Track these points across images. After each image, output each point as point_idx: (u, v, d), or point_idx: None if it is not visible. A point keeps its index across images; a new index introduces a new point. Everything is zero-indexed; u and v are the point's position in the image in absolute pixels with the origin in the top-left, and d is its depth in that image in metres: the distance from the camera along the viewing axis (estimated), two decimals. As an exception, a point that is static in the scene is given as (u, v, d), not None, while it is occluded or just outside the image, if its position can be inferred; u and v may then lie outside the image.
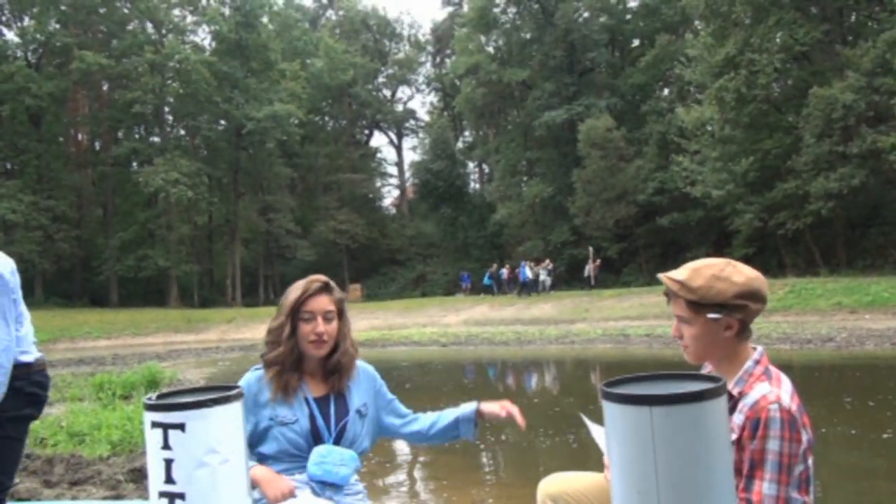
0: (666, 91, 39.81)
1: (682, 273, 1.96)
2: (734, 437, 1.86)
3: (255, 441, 2.31)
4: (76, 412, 7.73)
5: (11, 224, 37.17)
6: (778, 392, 1.82)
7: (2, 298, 2.80)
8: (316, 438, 2.26)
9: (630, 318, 24.09)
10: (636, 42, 42.98)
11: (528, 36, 41.63)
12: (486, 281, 35.50)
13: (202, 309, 39.31)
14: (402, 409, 2.55)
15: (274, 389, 2.29)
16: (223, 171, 46.14)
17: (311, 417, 2.28)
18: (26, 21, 42.37)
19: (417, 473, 6.71)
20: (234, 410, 1.78)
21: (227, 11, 44.04)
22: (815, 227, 27.07)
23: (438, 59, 58.04)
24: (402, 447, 7.10)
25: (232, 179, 46.27)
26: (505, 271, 35.06)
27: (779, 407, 1.78)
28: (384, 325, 29.50)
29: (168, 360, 19.75)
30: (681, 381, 1.49)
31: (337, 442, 2.29)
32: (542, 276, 32.28)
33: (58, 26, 41.99)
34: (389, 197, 60.78)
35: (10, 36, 42.75)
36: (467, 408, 2.50)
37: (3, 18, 42.71)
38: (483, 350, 19.73)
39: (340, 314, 2.36)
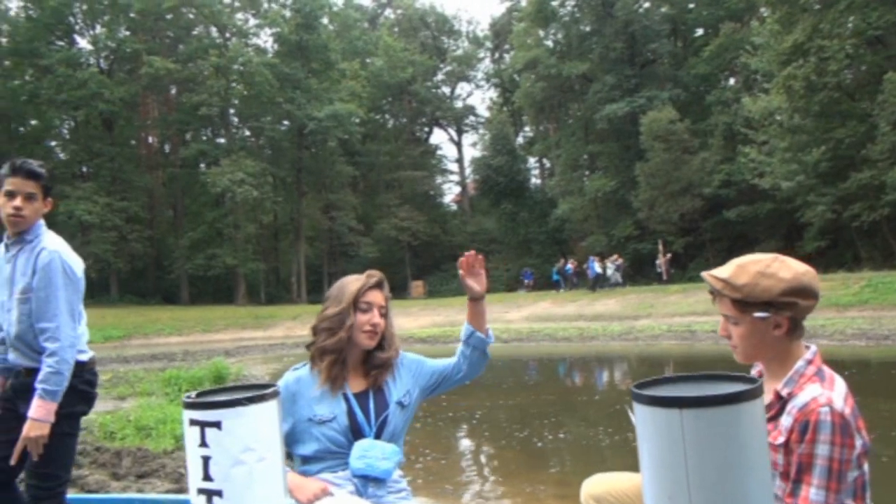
0: (731, 81, 38.70)
1: (726, 270, 1.89)
2: (782, 440, 1.78)
3: (292, 442, 2.33)
4: (144, 407, 7.98)
5: (88, 225, 38.68)
6: (830, 394, 1.73)
7: (73, 296, 2.89)
8: (356, 434, 2.27)
9: (697, 314, 23.51)
10: (699, 31, 41.93)
11: (588, 28, 41.07)
12: (553, 276, 35.16)
13: (269, 306, 40.17)
14: (442, 363, 2.55)
15: (322, 381, 2.31)
16: (287, 171, 47.02)
17: (350, 413, 2.28)
18: (98, 29, 43.98)
19: (467, 469, 6.67)
20: (270, 409, 1.79)
21: (287, 13, 44.80)
22: (893, 219, 25.94)
23: (497, 55, 57.83)
24: (452, 440, 7.09)
25: (295, 178, 47.08)
26: (571, 266, 34.66)
27: (830, 410, 1.70)
28: (446, 322, 29.56)
29: (235, 357, 20.25)
30: (716, 382, 1.44)
31: (377, 436, 2.29)
32: (611, 272, 31.78)
33: (127, 33, 43.49)
34: (450, 193, 60.98)
35: (84, 44, 44.46)
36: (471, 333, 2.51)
37: (77, 27, 44.41)
38: (545, 346, 19.59)
39: (387, 311, 2.40)
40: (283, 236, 50.90)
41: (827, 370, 1.84)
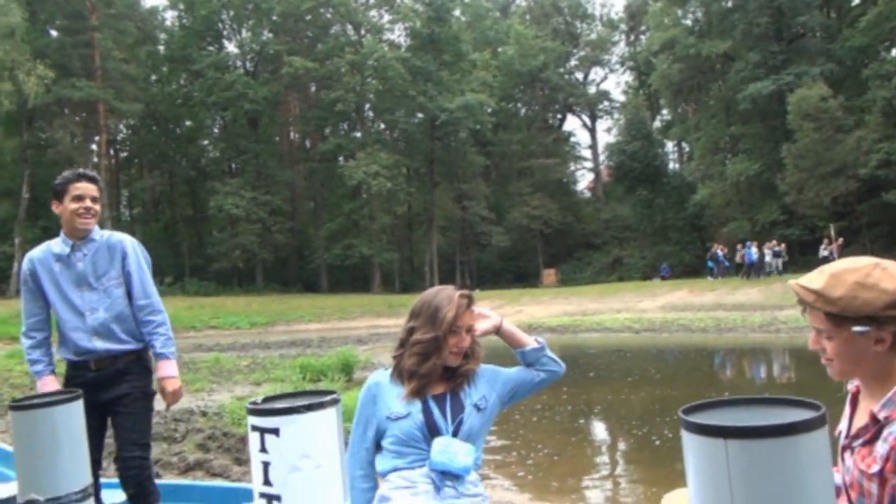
0: (893, 52, 35.51)
1: (818, 280, 1.69)
2: (877, 468, 1.59)
3: (378, 439, 2.39)
4: (273, 393, 8.35)
5: (235, 218, 41.15)
6: None
7: (150, 274, 3.30)
8: (432, 431, 2.29)
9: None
10: (855, 0, 38.72)
11: (729, 4, 38.90)
12: (708, 263, 33.63)
13: (402, 294, 41.16)
14: (517, 371, 2.54)
15: (406, 395, 2.35)
16: (419, 162, 47.88)
17: (426, 411, 2.32)
18: (243, 33, 46.54)
19: (578, 467, 6.47)
20: (328, 417, 1.81)
21: (420, 7, 45.47)
22: None
23: (632, 37, 55.99)
24: (567, 435, 6.92)
25: (428, 169, 47.84)
26: (721, 252, 33.03)
27: None
28: (577, 311, 29.16)
29: (368, 344, 20.91)
30: (777, 408, 1.30)
31: (454, 435, 2.31)
32: (769, 258, 30.06)
33: (270, 35, 45.75)
34: (583, 181, 59.95)
35: (231, 48, 47.24)
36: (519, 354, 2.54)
37: (225, 32, 47.21)
38: (678, 337, 18.87)
39: (472, 326, 2.41)
40: (417, 226, 51.91)
41: None
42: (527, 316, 30.08)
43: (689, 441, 1.20)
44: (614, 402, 8.85)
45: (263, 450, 1.77)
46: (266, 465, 1.77)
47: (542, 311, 30.78)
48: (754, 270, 29.90)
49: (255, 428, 1.79)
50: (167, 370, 3.16)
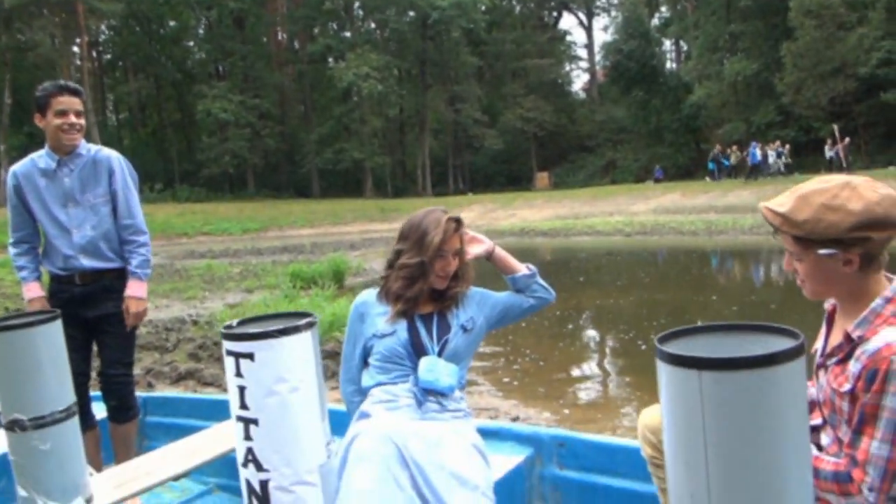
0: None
1: (786, 203, 1.64)
2: (848, 387, 1.59)
3: (365, 356, 2.42)
4: (260, 304, 8.40)
5: (224, 123, 40.49)
6: None
7: (137, 192, 3.25)
8: (416, 349, 2.30)
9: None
10: None
11: None
12: (709, 165, 33.22)
13: (395, 199, 41.08)
14: (507, 295, 2.54)
15: (394, 316, 2.35)
16: (411, 63, 46.79)
17: (412, 330, 2.32)
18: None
19: (563, 372, 6.48)
20: (304, 340, 1.78)
21: None
22: None
23: (631, -72, 53.69)
24: (554, 340, 6.98)
25: (420, 71, 46.82)
26: (717, 150, 32.56)
27: None
28: (570, 214, 29.23)
29: (360, 249, 21.00)
30: (757, 335, 1.26)
31: (440, 355, 2.32)
32: (772, 159, 29.76)
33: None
34: (578, 81, 58.81)
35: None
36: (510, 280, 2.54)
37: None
38: (669, 240, 18.96)
39: (461, 248, 2.38)
40: (409, 130, 51.26)
41: None
42: (519, 219, 30.14)
43: (664, 371, 1.17)
44: (603, 307, 8.91)
45: (239, 374, 1.75)
46: (242, 389, 1.75)
47: (534, 214, 30.82)
48: (758, 171, 29.43)
49: (229, 352, 1.77)
50: (136, 290, 3.16)
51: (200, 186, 42.05)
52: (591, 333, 7.17)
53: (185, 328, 7.60)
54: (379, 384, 2.34)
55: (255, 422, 1.75)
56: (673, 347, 1.20)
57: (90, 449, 2.87)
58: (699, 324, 1.32)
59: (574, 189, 37.91)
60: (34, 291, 3.12)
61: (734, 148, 32.02)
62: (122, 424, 3.19)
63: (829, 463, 1.58)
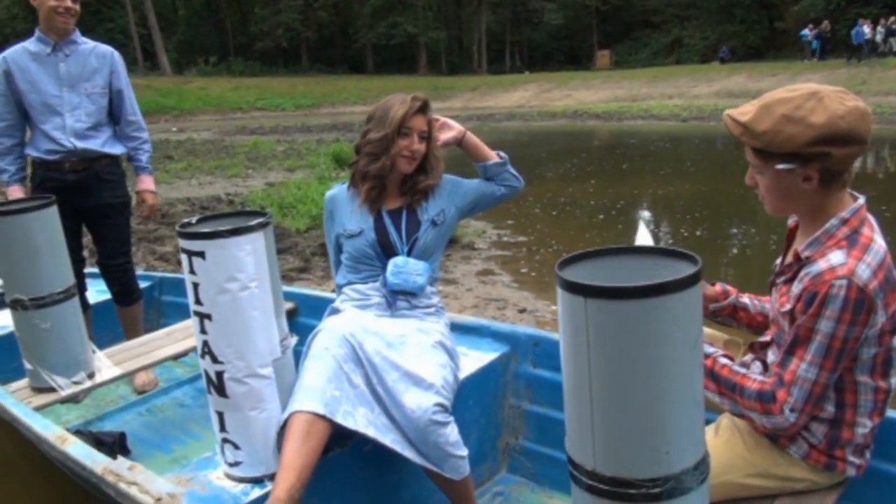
0: None
1: (748, 112, 1.55)
2: (788, 307, 1.56)
3: (341, 253, 2.44)
4: (291, 185, 8.45)
5: (276, -6, 39.67)
6: (853, 265, 1.45)
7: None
8: (385, 248, 2.32)
9: (916, 93, 20.76)
10: None
11: None
12: (812, 44, 30.02)
13: (449, 77, 40.22)
14: (479, 182, 2.52)
15: (361, 202, 2.35)
16: (470, -70, 44.55)
17: (379, 229, 2.33)
18: None
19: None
20: (255, 240, 1.81)
21: None
22: None
23: None
24: (582, 232, 6.89)
25: (479, -61, 44.59)
26: (808, 31, 29.98)
27: (847, 284, 1.43)
28: (627, 96, 28.27)
29: (409, 129, 20.79)
30: (656, 260, 1.24)
31: (410, 252, 2.33)
32: (880, 37, 27.17)
33: None
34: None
35: None
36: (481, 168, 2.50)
37: None
38: (723, 127, 18.21)
39: (429, 135, 2.34)
40: (466, 3, 49.37)
41: (866, 231, 1.52)
42: (574, 100, 29.31)
43: (560, 295, 1.17)
44: (639, 197, 8.69)
45: (192, 272, 1.81)
46: (196, 285, 1.81)
47: (590, 95, 29.91)
48: (860, 52, 26.81)
49: (183, 250, 1.82)
50: (148, 184, 3.32)
51: (255, 60, 41.78)
52: (621, 226, 7.02)
53: (219, 207, 7.77)
54: (350, 283, 2.39)
55: (208, 317, 1.82)
56: (568, 272, 1.19)
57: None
58: (608, 246, 1.30)
59: (635, 69, 36.45)
60: (16, 195, 3.11)
61: (825, 23, 29.43)
62: (128, 307, 3.35)
63: (754, 381, 1.58)
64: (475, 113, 26.83)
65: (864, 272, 1.44)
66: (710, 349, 1.67)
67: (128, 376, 2.90)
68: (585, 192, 9.02)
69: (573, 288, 1.13)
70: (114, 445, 2.81)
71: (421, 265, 2.31)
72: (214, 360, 1.84)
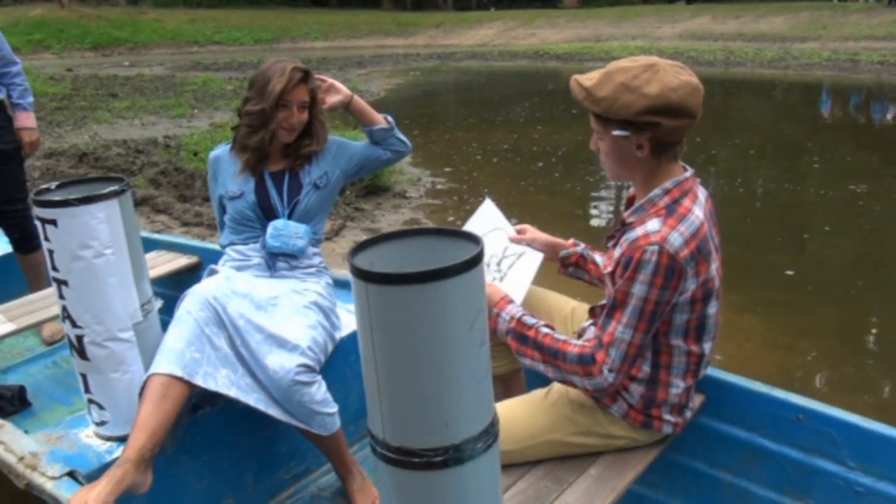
0: None
1: (593, 77, 1.62)
2: (609, 270, 1.66)
3: (224, 212, 2.47)
4: (231, 126, 8.31)
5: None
6: (667, 232, 1.54)
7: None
8: (266, 211, 2.35)
9: (874, 39, 20.89)
10: None
11: None
12: None
13: (414, 12, 39.34)
14: (364, 145, 2.56)
15: (240, 170, 2.38)
16: None
17: (260, 191, 2.35)
18: None
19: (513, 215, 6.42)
20: (109, 208, 1.84)
21: None
22: None
23: None
24: (515, 180, 6.92)
25: None
26: None
27: (658, 250, 1.52)
28: (591, 36, 27.99)
29: (367, 67, 20.49)
30: (443, 241, 1.31)
31: (290, 215, 2.36)
32: None
33: None
34: None
35: None
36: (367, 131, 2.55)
37: None
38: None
39: (313, 102, 2.35)
40: (433, -66, 48.01)
41: (686, 203, 1.61)
42: (538, 40, 28.97)
43: (351, 279, 1.23)
44: (582, 144, 8.75)
45: (47, 238, 1.83)
46: (51, 252, 1.84)
47: (554, 35, 29.56)
48: None
49: (38, 218, 1.84)
50: (26, 121, 3.23)
51: (213, -10, 40.36)
52: (558, 173, 7.04)
53: (154, 151, 7.59)
54: (231, 244, 2.43)
55: (65, 283, 1.86)
56: (358, 258, 1.25)
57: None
58: (403, 229, 1.36)
59: (601, 8, 36.00)
60: None
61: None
62: (29, 254, 3.34)
63: (575, 346, 1.67)
64: (437, 51, 26.43)
65: (676, 240, 1.53)
66: (531, 320, 1.75)
67: (23, 331, 2.90)
68: (530, 138, 9.04)
69: (358, 273, 1.19)
70: (13, 399, 2.86)
71: (301, 228, 2.35)
72: (74, 324, 1.89)
